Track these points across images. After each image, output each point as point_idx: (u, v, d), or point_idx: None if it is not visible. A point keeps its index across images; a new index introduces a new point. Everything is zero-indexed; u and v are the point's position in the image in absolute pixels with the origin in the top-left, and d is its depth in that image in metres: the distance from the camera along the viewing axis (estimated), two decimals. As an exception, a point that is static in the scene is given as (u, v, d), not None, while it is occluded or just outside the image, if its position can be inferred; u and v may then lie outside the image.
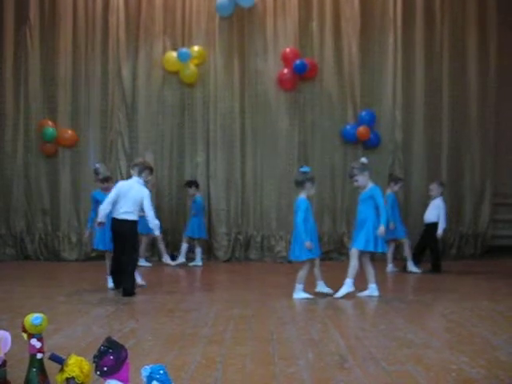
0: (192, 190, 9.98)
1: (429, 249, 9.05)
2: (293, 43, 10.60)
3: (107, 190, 7.41)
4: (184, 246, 9.93)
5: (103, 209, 6.94)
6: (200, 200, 10.03)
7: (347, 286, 6.69)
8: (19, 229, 10.72)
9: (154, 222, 6.97)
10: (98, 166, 8.21)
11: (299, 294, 6.64)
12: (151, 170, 7.97)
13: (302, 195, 6.73)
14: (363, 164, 6.96)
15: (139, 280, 7.42)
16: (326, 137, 10.66)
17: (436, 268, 8.83)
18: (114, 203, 6.91)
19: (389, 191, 9.04)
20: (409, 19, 10.67)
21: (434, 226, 8.85)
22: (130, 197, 6.91)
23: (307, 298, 6.60)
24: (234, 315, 5.69)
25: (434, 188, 9.10)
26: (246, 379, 3.59)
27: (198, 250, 9.93)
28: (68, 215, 10.70)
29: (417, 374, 3.67)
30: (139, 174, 7.14)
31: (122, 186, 7.10)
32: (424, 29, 10.68)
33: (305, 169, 6.91)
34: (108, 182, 7.79)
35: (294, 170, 10.56)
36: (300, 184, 6.77)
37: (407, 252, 9.02)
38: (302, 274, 6.67)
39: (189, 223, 9.98)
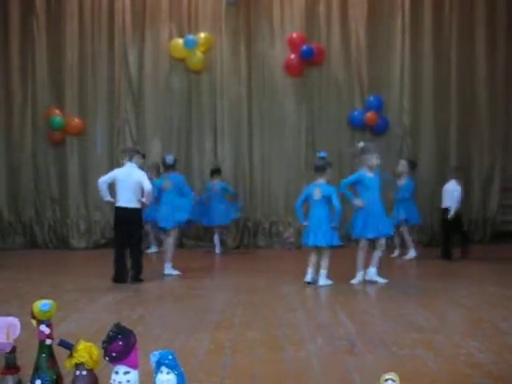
0: (216, 178, 9.92)
1: (445, 235, 8.97)
2: (299, 28, 10.53)
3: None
4: (216, 237, 9.97)
5: (101, 187, 6.92)
6: (224, 187, 9.99)
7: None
8: (28, 217, 10.76)
9: (150, 191, 6.90)
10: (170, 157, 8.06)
11: (325, 281, 6.59)
12: (143, 155, 7.95)
13: (323, 180, 6.69)
14: (362, 149, 6.85)
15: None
16: (333, 122, 10.61)
17: (447, 255, 8.73)
18: (115, 193, 6.94)
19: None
20: (417, 3, 10.55)
21: (445, 211, 8.78)
22: (130, 183, 6.90)
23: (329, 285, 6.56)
24: (242, 301, 5.69)
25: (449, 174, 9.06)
26: (254, 364, 3.59)
27: (217, 238, 9.98)
28: (76, 203, 10.74)
29: (426, 359, 3.66)
30: (131, 159, 7.08)
31: (118, 172, 7.05)
32: (432, 13, 10.57)
33: (323, 154, 6.84)
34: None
35: (301, 156, 10.56)
36: (321, 169, 6.70)
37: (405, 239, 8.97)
38: (328, 260, 6.65)
39: (216, 211, 9.77)
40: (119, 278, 6.80)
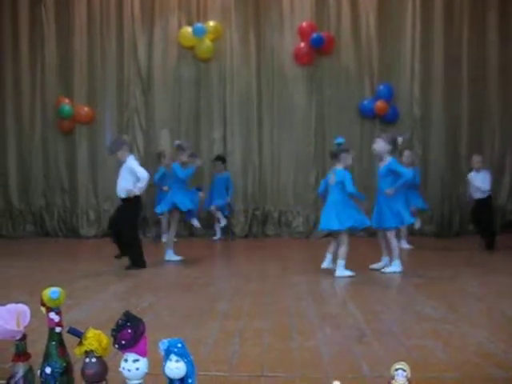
0: (220, 165, 10.06)
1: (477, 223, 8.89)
2: (309, 17, 10.47)
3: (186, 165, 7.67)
4: (222, 222, 10.09)
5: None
6: (227, 176, 10.09)
7: (395, 267, 6.67)
8: (38, 206, 10.82)
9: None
10: (178, 142, 8.07)
11: (342, 272, 6.48)
12: None
13: (339, 167, 6.64)
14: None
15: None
16: (343, 111, 10.57)
17: (489, 245, 8.61)
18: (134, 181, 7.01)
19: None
20: (427, -10, 10.47)
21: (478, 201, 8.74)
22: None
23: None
24: (251, 290, 5.70)
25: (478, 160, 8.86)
26: (263, 353, 3.59)
27: (219, 225, 10.14)
28: (86, 192, 10.78)
29: (435, 348, 3.65)
30: (131, 151, 7.35)
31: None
32: (443, 0, 10.46)
33: (339, 140, 6.75)
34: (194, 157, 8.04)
35: (311, 145, 10.53)
36: (335, 156, 6.67)
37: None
38: (346, 248, 6.56)
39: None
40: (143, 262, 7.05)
